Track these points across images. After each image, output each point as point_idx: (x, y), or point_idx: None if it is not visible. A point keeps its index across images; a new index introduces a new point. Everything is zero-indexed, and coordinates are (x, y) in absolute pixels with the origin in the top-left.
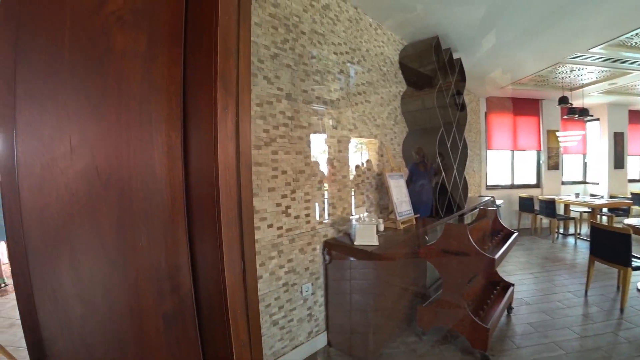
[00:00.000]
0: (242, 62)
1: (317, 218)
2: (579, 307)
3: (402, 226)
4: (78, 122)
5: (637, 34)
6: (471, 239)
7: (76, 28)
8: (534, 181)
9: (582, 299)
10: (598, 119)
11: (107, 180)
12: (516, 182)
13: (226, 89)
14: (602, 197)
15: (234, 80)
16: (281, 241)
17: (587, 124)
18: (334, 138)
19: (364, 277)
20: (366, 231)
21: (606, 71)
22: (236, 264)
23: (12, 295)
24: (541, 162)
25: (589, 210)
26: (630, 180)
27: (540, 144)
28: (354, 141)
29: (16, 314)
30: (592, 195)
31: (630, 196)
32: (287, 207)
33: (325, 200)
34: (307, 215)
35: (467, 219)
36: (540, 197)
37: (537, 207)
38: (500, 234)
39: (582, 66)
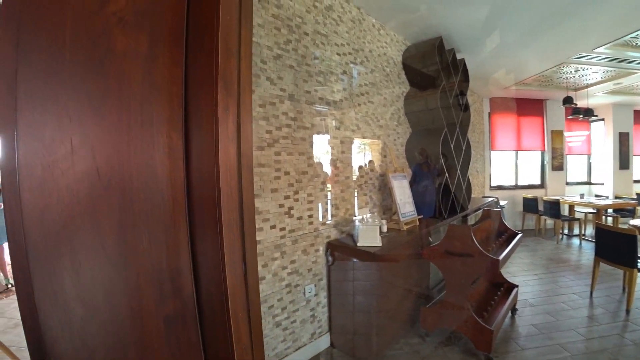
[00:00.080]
0: (244, 63)
1: (320, 219)
2: (584, 308)
3: (405, 227)
4: (79, 123)
5: None
6: (475, 240)
7: (77, 29)
8: (538, 182)
9: (587, 300)
10: (603, 119)
11: (108, 182)
12: (520, 183)
13: (227, 89)
14: (607, 197)
15: (235, 81)
16: (284, 242)
17: (592, 124)
18: (337, 139)
19: (367, 278)
20: (369, 232)
21: (611, 71)
22: (237, 266)
23: None
24: (545, 162)
25: (594, 211)
26: (636, 181)
27: (544, 145)
28: (357, 142)
29: None
30: (597, 196)
31: (635, 197)
32: (290, 208)
33: (328, 201)
34: (310, 216)
35: (471, 220)
36: (545, 198)
37: (541, 207)
38: (504, 235)
39: (586, 66)
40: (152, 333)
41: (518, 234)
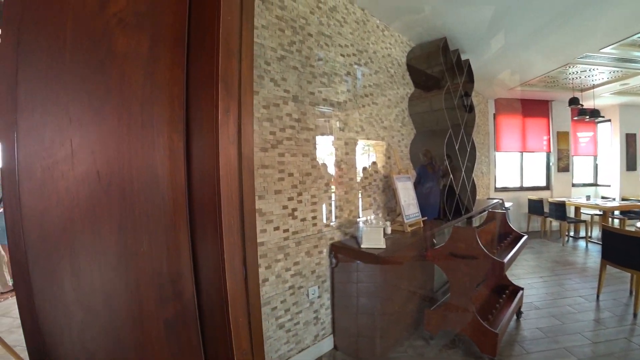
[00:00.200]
0: (245, 63)
1: (324, 221)
2: (590, 311)
3: (409, 229)
4: (79, 125)
5: None
6: (480, 242)
7: (78, 30)
8: (543, 183)
9: (593, 303)
10: (609, 120)
11: (108, 184)
12: (525, 185)
13: (228, 90)
14: (613, 199)
15: (236, 82)
16: (287, 244)
17: (598, 125)
18: (341, 140)
19: (370, 280)
20: (373, 234)
21: (618, 71)
22: (238, 270)
23: None
24: (551, 164)
25: (600, 213)
26: None
27: (550, 146)
28: (361, 143)
29: None
30: (603, 197)
31: None
32: (294, 209)
33: (332, 203)
34: (314, 217)
35: (476, 222)
36: (550, 200)
37: (546, 209)
38: (509, 237)
39: (593, 66)
40: (152, 337)
41: (523, 236)
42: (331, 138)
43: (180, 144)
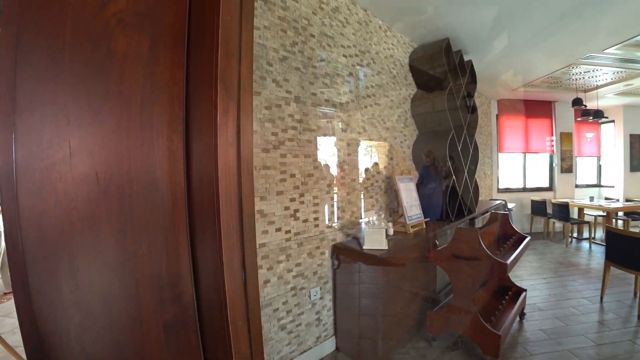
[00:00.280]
0: (244, 64)
1: (326, 222)
2: (594, 313)
3: (411, 230)
4: (78, 126)
5: None
6: (482, 244)
7: (77, 30)
8: (546, 184)
9: (597, 305)
10: (613, 121)
11: (107, 186)
12: (528, 185)
13: (227, 91)
14: (617, 200)
15: (236, 83)
16: (289, 245)
17: (602, 126)
18: (343, 141)
19: (373, 281)
20: (375, 235)
21: (621, 72)
22: (237, 274)
23: None
24: (554, 164)
25: (604, 214)
26: None
27: (553, 147)
28: (363, 144)
29: None
30: (607, 198)
31: None
32: (296, 210)
33: (334, 204)
34: (316, 218)
35: (478, 223)
36: (553, 201)
37: (549, 210)
38: (512, 239)
39: (596, 67)
40: (152, 340)
41: (526, 237)
42: (333, 139)
43: (180, 145)
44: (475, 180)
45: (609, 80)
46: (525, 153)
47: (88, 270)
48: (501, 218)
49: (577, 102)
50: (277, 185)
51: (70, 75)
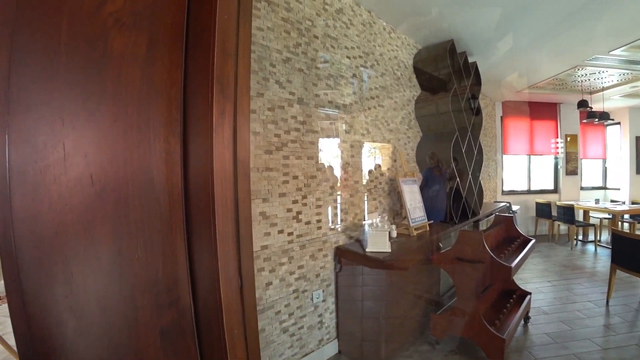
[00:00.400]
0: (242, 64)
1: (329, 224)
2: (600, 317)
3: (415, 232)
4: (72, 127)
5: None
6: (486, 246)
7: (73, 30)
8: (551, 186)
9: (603, 308)
10: (619, 123)
11: (102, 188)
12: (533, 188)
13: (223, 92)
14: (623, 203)
15: (232, 83)
16: (292, 247)
17: (608, 128)
18: (347, 143)
19: (375, 284)
20: (378, 238)
21: (628, 74)
22: (233, 280)
23: None
24: (559, 167)
25: (610, 216)
26: None
27: (558, 149)
28: (366, 146)
29: None
30: (612, 201)
31: None
32: (298, 212)
33: (337, 206)
34: (319, 221)
35: (483, 226)
36: (558, 203)
37: (554, 213)
38: (516, 241)
39: (602, 69)
40: (148, 345)
41: (531, 240)
42: (336, 140)
43: (177, 148)
44: (480, 183)
45: (615, 82)
46: (530, 155)
47: (83, 275)
48: (505, 220)
49: (582, 104)
50: (280, 187)
51: (66, 76)
